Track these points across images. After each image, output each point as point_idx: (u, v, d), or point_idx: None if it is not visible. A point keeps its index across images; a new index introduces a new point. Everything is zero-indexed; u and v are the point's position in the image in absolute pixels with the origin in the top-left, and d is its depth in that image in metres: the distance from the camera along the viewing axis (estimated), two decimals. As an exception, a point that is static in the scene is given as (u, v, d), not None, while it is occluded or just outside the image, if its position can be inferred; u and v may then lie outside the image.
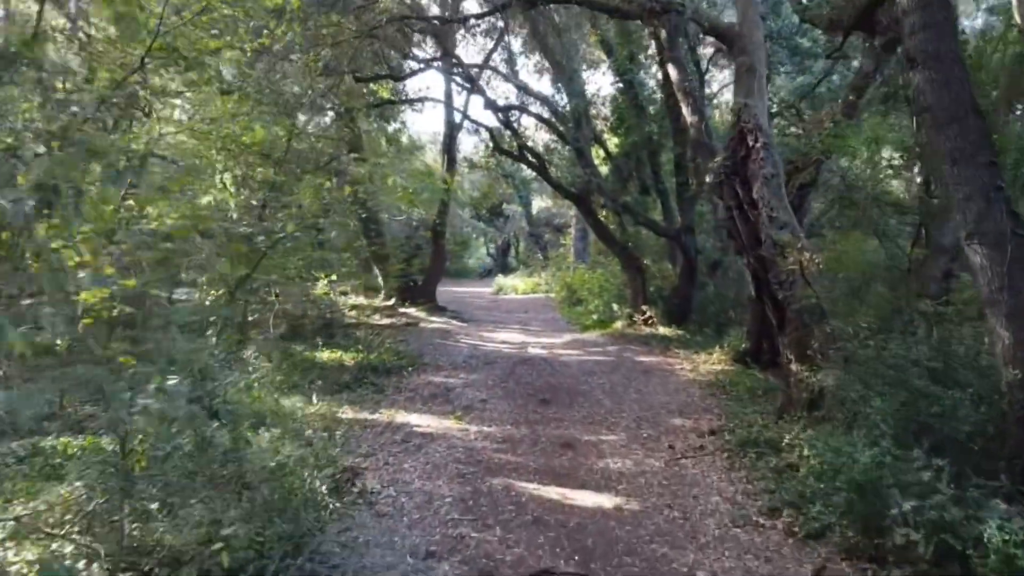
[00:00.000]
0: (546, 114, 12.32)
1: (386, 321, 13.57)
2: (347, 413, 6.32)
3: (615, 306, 12.10)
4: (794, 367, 5.28)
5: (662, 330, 11.03)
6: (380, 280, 15.71)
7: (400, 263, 12.68)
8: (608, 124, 14.85)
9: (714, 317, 11.23)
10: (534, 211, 29.47)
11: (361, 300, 15.52)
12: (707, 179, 9.08)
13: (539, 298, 20.45)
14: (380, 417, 6.17)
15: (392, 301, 15.05)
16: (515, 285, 22.37)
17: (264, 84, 7.02)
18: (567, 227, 27.13)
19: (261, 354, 7.20)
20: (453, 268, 31.83)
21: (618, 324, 11.79)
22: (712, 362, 8.60)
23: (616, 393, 7.15)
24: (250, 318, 7.61)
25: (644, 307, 11.48)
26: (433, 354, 9.90)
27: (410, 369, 8.50)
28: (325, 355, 9.15)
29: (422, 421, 6.04)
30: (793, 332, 5.33)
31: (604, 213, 12.65)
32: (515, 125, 12.07)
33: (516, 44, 15.65)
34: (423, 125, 48.89)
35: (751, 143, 5.94)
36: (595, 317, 12.64)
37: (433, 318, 14.21)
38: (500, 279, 23.67)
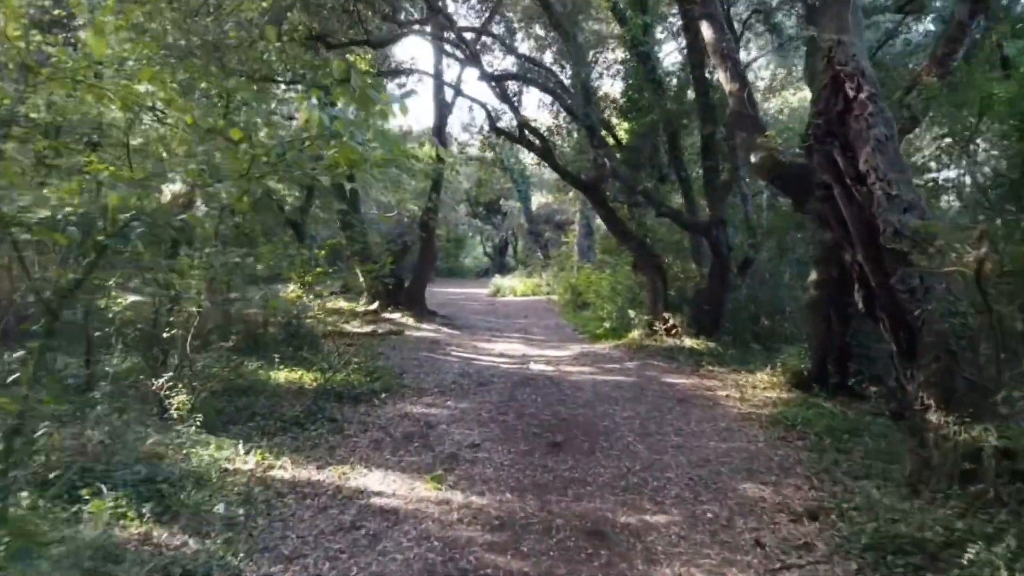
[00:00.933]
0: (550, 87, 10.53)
1: (366, 329, 11.82)
2: (286, 469, 4.57)
3: (632, 312, 10.35)
4: (934, 417, 3.54)
5: (688, 342, 9.30)
6: (362, 281, 13.97)
7: (376, 263, 10.88)
8: (617, 107, 13.15)
9: (747, 326, 9.51)
10: (534, 207, 27.71)
11: (341, 304, 13.78)
12: (752, 158, 7.36)
13: (540, 301, 18.73)
14: (329, 477, 4.42)
15: (375, 305, 13.30)
16: (514, 286, 20.65)
17: (180, 24, 5.25)
18: (569, 224, 25.44)
19: (178, 383, 5.44)
20: (447, 267, 30.14)
21: (635, 333, 10.06)
22: (763, 387, 6.87)
23: (650, 433, 5.41)
24: (166, 333, 5.83)
25: (666, 314, 9.75)
26: (416, 372, 8.16)
27: (383, 395, 6.76)
28: (282, 375, 7.45)
29: (386, 485, 4.28)
30: (932, 364, 3.59)
31: (619, 204, 10.90)
32: (515, 102, 10.32)
33: (515, 18, 13.92)
34: (412, 117, 47.01)
35: (851, 93, 4.20)
36: (607, 325, 10.90)
37: (421, 325, 12.48)
38: (497, 280, 21.94)
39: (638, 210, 12.42)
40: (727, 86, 7.87)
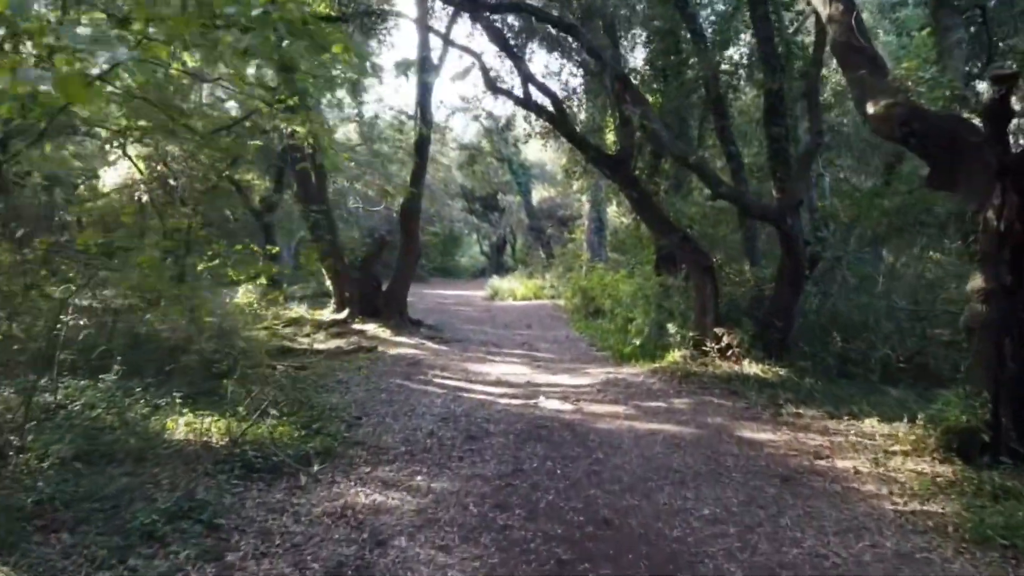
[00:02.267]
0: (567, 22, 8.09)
1: (330, 344, 9.42)
2: None
3: (671, 327, 7.95)
4: None
5: (751, 368, 6.92)
6: (330, 285, 11.59)
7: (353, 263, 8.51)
8: (640, 78, 10.78)
9: (829, 348, 7.15)
10: (534, 201, 25.30)
11: (304, 312, 11.37)
12: (869, 108, 5.01)
13: (544, 305, 16.33)
14: None
15: (344, 314, 10.89)
16: (513, 289, 18.25)
17: None
18: (574, 219, 23.06)
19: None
20: (440, 267, 27.78)
21: (676, 354, 7.66)
22: (899, 450, 4.50)
23: (768, 565, 3.01)
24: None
25: (718, 329, 7.37)
26: (379, 415, 5.76)
27: (319, 466, 4.35)
28: (183, 423, 5.04)
29: None
30: None
31: (655, 186, 8.52)
32: (518, 52, 7.93)
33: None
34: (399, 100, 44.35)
35: None
36: (637, 342, 8.48)
37: (400, 338, 10.06)
38: (495, 281, 19.55)
39: (667, 196, 10.11)
40: (825, 10, 5.54)
